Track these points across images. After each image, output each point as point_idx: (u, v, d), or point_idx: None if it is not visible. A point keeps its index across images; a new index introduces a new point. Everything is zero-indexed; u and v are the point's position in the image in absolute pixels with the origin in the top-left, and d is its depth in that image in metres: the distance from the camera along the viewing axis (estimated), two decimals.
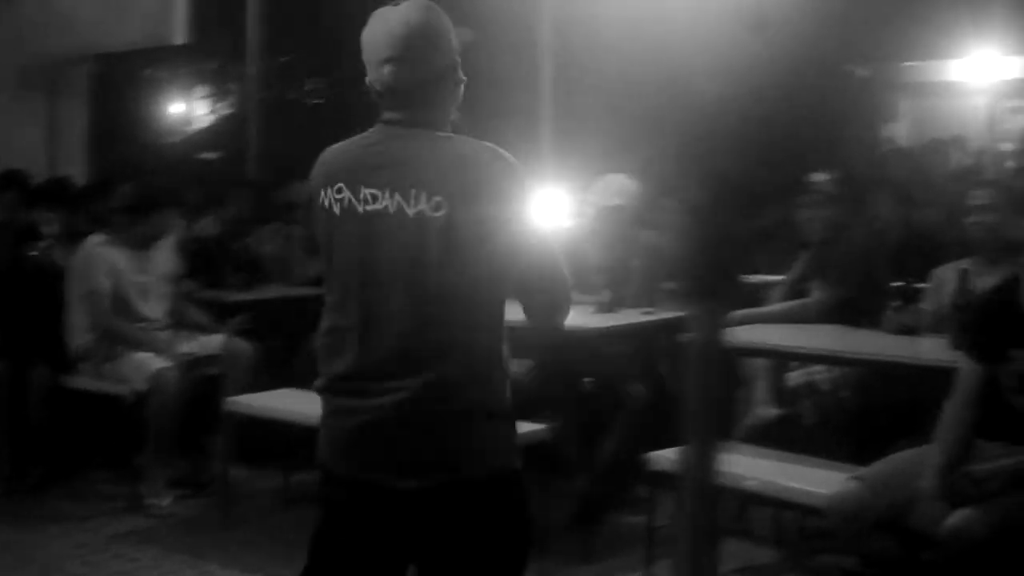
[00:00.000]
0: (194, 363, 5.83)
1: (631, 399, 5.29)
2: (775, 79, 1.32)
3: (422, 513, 2.44)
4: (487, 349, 2.45)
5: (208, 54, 11.55)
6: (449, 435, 2.43)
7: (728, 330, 1.44)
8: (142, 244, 5.89)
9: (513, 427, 2.52)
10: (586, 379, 5.42)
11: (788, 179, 5.38)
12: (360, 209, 2.44)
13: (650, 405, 5.34)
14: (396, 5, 2.45)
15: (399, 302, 2.41)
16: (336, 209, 2.48)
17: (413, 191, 2.39)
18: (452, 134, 2.50)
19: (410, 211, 2.39)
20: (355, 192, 2.45)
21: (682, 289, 1.37)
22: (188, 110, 13.32)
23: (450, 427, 2.42)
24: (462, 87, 2.53)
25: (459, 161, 2.42)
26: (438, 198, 2.37)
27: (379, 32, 2.45)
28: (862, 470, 3.84)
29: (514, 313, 2.49)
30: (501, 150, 2.44)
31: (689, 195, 1.31)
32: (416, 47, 2.42)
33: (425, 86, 2.45)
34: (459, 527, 2.45)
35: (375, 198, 2.43)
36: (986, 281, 4.44)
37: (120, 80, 10.93)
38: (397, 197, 2.41)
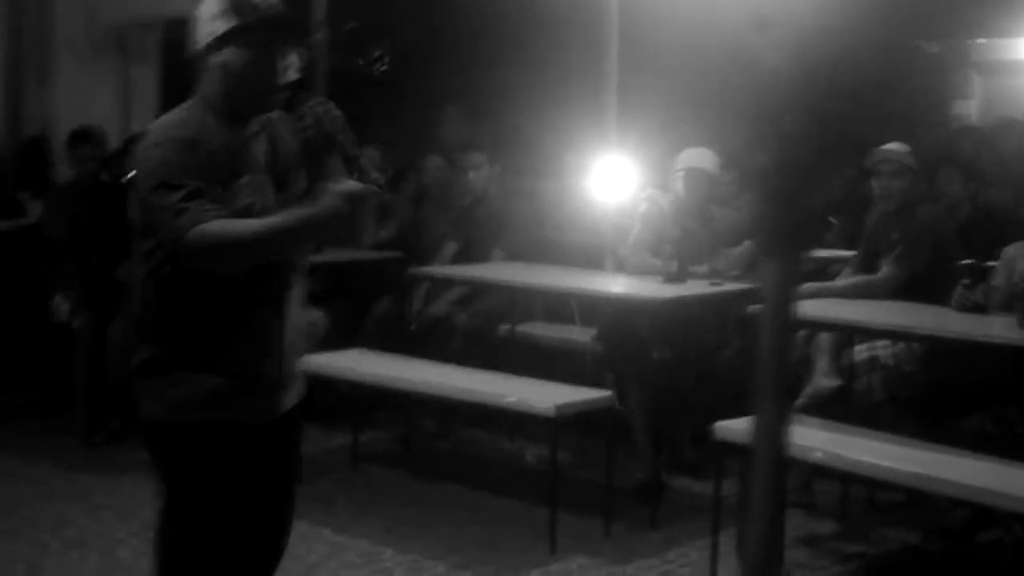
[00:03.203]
0: None
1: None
2: (843, 51, 1.34)
3: None
4: None
5: None
6: None
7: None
8: None
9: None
10: (655, 349, 5.45)
11: (856, 143, 5.34)
12: None
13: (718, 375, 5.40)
14: None
15: None
16: None
17: None
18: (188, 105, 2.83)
19: None
20: None
21: (761, 243, 1.36)
22: None
23: None
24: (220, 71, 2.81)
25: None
26: None
27: None
28: None
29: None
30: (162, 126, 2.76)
31: (754, 160, 1.32)
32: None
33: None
34: None
35: None
36: None
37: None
38: None
